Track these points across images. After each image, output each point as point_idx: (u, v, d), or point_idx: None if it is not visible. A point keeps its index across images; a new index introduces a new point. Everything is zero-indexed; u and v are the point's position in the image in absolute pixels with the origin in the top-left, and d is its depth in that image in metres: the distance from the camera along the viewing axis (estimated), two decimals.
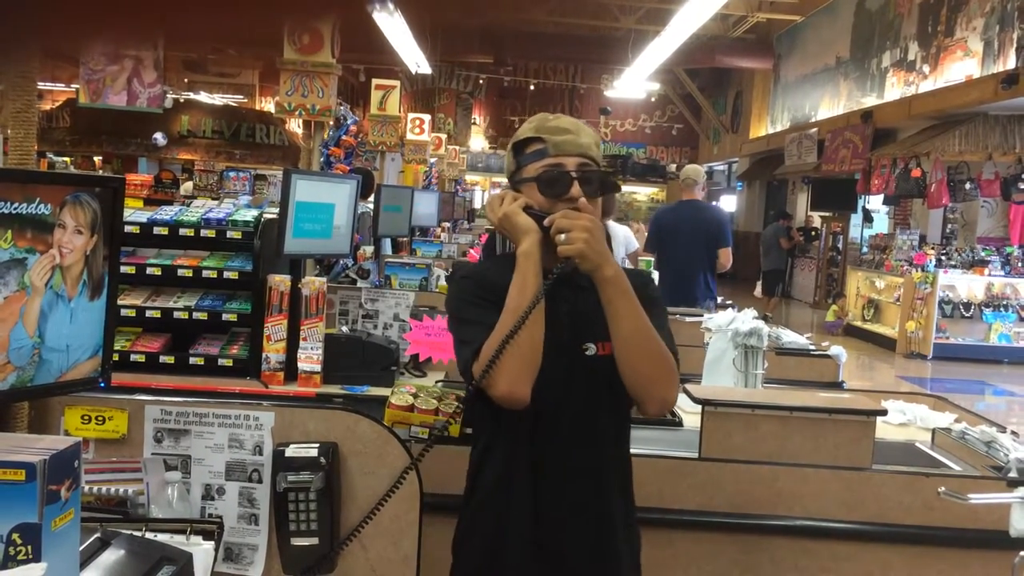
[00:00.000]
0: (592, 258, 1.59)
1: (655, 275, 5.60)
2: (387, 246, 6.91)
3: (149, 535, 1.52)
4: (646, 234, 6.74)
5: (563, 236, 1.60)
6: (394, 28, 9.46)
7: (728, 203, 22.81)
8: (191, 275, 3.32)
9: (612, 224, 5.78)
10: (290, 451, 1.92)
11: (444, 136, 15.38)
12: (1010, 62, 9.54)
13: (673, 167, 23.21)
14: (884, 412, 2.72)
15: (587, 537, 1.71)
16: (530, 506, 1.70)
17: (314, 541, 1.90)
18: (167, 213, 3.44)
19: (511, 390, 1.60)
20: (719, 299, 6.21)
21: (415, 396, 2.67)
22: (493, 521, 1.74)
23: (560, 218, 1.61)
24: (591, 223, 1.60)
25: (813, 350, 4.14)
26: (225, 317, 3.31)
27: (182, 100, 15.14)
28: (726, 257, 6.00)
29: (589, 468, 1.71)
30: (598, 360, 1.69)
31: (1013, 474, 2.51)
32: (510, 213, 1.67)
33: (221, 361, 3.29)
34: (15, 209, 1.38)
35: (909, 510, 2.48)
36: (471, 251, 7.84)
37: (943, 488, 2.05)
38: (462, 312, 1.73)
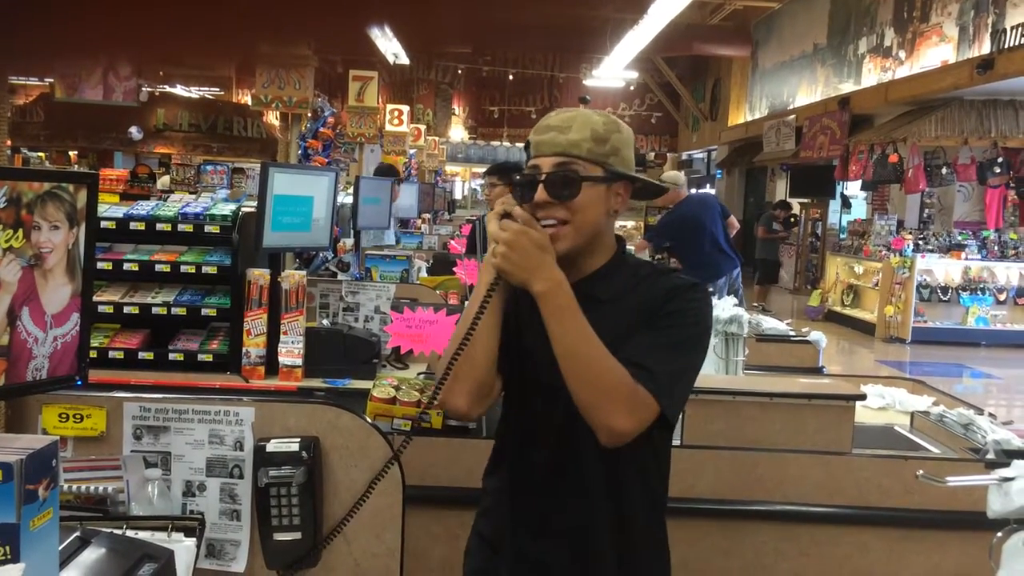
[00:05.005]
0: (513, 273, 1.45)
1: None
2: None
3: (130, 533, 1.52)
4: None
5: (493, 247, 1.47)
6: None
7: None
8: (169, 270, 3.29)
9: None
10: (271, 446, 1.92)
11: (423, 127, 15.31)
12: (985, 47, 9.60)
13: (652, 155, 23.23)
14: (863, 397, 2.74)
15: (566, 548, 1.62)
16: (522, 514, 1.65)
17: (297, 536, 1.90)
18: (144, 208, 3.40)
19: (443, 400, 1.55)
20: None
21: (397, 388, 2.67)
22: (489, 528, 1.71)
23: (493, 229, 1.48)
24: (513, 235, 1.44)
25: (793, 336, 4.17)
26: (204, 312, 3.29)
27: (157, 93, 14.95)
28: (734, 222, 7.40)
29: (582, 484, 1.62)
30: None
31: (991, 456, 2.54)
32: (488, 219, 1.53)
33: (201, 356, 3.27)
34: None
35: (888, 493, 2.51)
36: (451, 242, 7.82)
37: (921, 471, 2.07)
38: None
